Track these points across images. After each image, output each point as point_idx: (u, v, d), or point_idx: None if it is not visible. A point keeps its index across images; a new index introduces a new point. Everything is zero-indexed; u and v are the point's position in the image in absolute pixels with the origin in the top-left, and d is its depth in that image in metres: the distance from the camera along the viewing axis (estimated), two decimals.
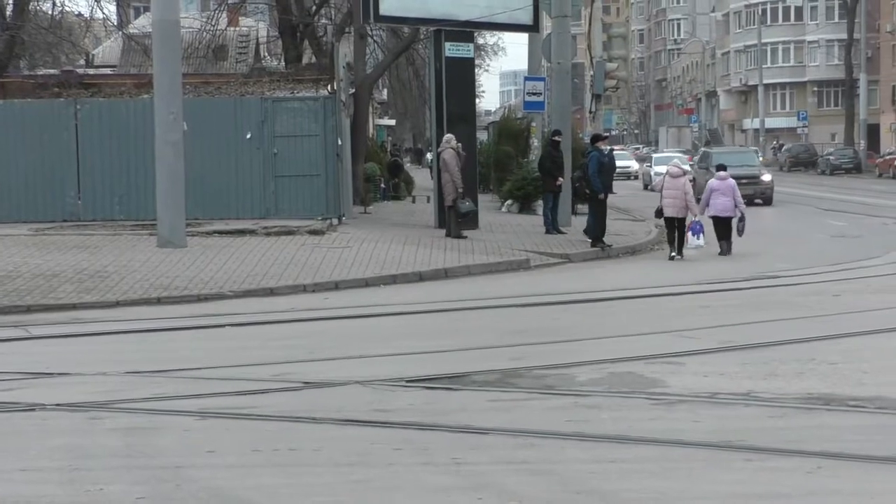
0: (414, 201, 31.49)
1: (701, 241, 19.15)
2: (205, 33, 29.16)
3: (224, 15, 31.07)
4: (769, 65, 79.50)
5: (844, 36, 67.66)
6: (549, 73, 26.16)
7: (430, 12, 22.34)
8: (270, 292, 14.91)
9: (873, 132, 64.65)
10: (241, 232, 19.45)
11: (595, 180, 19.70)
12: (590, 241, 19.99)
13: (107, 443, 7.05)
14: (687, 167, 22.37)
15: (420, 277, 16.42)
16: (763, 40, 75.95)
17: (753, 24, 79.86)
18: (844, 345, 10.05)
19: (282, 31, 30.07)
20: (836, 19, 75.92)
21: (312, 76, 24.72)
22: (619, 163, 52.61)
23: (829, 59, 78.25)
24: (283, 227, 19.76)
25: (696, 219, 19.21)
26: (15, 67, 27.91)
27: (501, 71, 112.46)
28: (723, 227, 19.54)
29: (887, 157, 54.78)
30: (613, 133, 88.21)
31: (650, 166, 44.50)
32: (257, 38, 35.67)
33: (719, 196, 19.47)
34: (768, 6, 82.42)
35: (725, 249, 19.31)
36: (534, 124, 29.01)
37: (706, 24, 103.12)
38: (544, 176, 22.50)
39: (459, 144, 20.63)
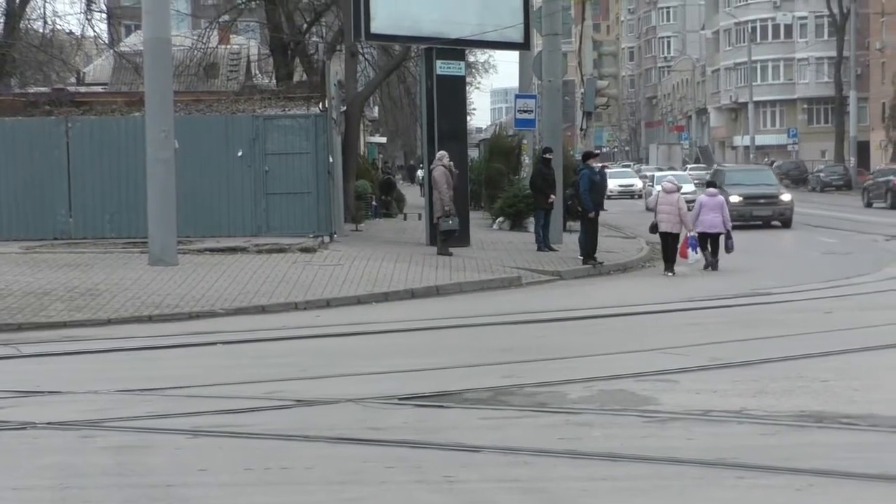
0: (405, 219, 31.50)
1: (698, 255, 19.49)
2: (196, 51, 29.20)
3: (215, 33, 31.14)
4: (759, 82, 79.88)
5: (834, 53, 68.01)
6: (540, 91, 26.27)
7: (422, 30, 22.38)
8: (262, 310, 14.90)
9: (863, 149, 64.91)
10: (233, 249, 19.44)
11: (586, 198, 19.75)
12: (581, 257, 20.05)
13: (98, 461, 7.03)
14: (690, 184, 22.41)
15: (412, 295, 16.43)
16: (753, 58, 76.27)
17: (743, 42, 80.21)
18: (835, 362, 10.05)
19: (273, 49, 30.15)
20: (826, 37, 76.29)
21: (303, 94, 24.75)
22: (622, 181, 52.95)
23: (819, 77, 78.60)
24: (274, 245, 19.75)
25: (692, 234, 19.42)
26: (6, 85, 27.93)
27: (492, 88, 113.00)
28: (711, 243, 19.75)
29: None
30: (604, 150, 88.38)
31: (652, 185, 41.64)
32: (248, 56, 35.74)
33: (708, 212, 19.70)
34: (758, 24, 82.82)
35: (712, 265, 19.54)
36: (525, 142, 29.07)
37: (696, 41, 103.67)
38: (536, 193, 22.54)
39: (451, 163, 20.68)
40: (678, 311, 14.56)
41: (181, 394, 9.12)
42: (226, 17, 32.34)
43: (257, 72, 35.18)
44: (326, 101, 22.37)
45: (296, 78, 29.78)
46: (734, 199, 29.43)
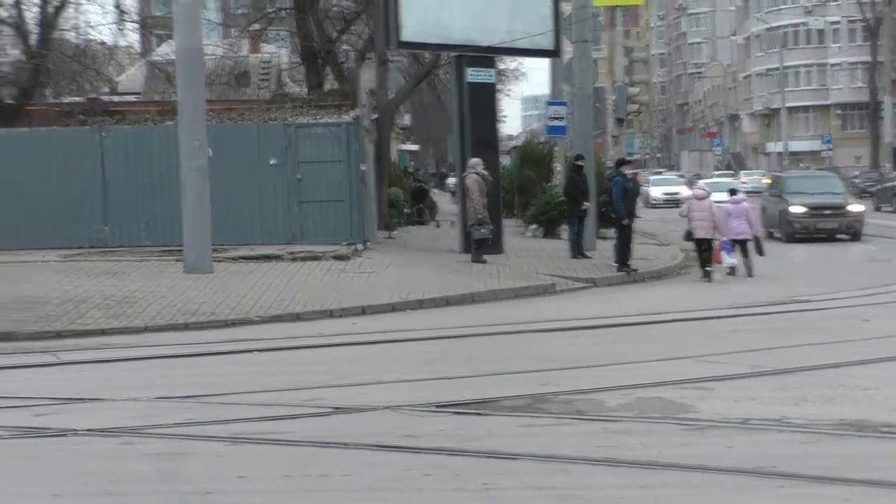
0: (438, 226, 31.53)
1: (734, 260, 19.52)
2: (227, 60, 29.36)
3: (246, 42, 31.30)
4: (791, 88, 79.33)
5: (868, 58, 67.49)
6: (571, 98, 26.22)
7: (452, 38, 22.40)
8: (297, 317, 14.94)
9: None
10: (267, 257, 19.51)
11: (619, 205, 19.70)
12: (615, 265, 20.00)
13: (138, 468, 7.07)
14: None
15: (447, 302, 16.42)
16: (785, 63, 75.82)
17: (775, 48, 79.72)
18: (875, 370, 9.97)
19: (304, 57, 30.23)
20: (859, 41, 75.78)
21: (335, 102, 24.82)
22: (667, 189, 51.86)
23: (853, 82, 78.07)
24: (308, 253, 19.81)
25: (725, 238, 19.44)
26: (40, 95, 28.15)
27: (523, 96, 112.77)
28: (741, 249, 19.84)
29: None
30: (636, 157, 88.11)
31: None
32: (279, 65, 35.88)
33: (734, 220, 19.74)
34: (790, 29, 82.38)
35: (748, 271, 19.51)
36: (556, 149, 29.06)
37: (727, 47, 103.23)
38: (569, 201, 22.50)
39: (486, 171, 20.62)
40: (715, 318, 14.47)
41: (220, 401, 9.16)
42: (256, 27, 32.52)
43: (288, 80, 35.32)
44: (358, 109, 22.43)
45: (327, 86, 29.84)
46: (796, 209, 27.53)
